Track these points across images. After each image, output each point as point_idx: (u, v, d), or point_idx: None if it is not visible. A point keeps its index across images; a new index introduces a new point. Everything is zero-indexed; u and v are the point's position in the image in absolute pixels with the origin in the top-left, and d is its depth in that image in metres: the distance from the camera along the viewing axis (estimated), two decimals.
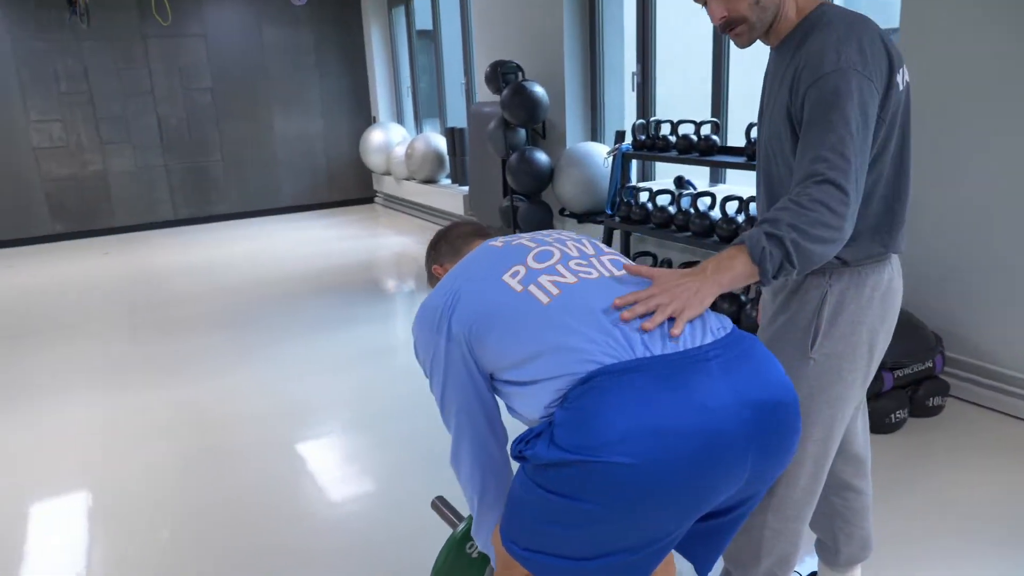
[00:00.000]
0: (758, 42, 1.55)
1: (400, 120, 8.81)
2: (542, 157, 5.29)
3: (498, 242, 1.43)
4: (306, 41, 8.47)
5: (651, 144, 4.43)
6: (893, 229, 1.52)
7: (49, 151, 7.51)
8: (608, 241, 4.74)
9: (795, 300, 1.57)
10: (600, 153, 4.99)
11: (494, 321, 1.26)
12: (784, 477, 1.59)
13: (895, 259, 1.58)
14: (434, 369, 1.35)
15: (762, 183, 1.62)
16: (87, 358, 4.26)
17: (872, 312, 1.52)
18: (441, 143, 7.55)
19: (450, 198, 7.20)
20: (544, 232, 1.47)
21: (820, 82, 1.35)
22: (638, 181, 5.19)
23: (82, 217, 7.77)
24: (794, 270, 1.31)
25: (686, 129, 4.30)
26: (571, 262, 1.32)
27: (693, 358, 1.17)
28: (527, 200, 5.46)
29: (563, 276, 1.28)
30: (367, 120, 8.90)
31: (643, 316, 1.22)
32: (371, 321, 4.71)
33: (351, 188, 9.04)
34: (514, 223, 5.48)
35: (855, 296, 1.51)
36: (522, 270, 1.30)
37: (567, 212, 5.32)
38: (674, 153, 4.29)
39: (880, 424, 2.90)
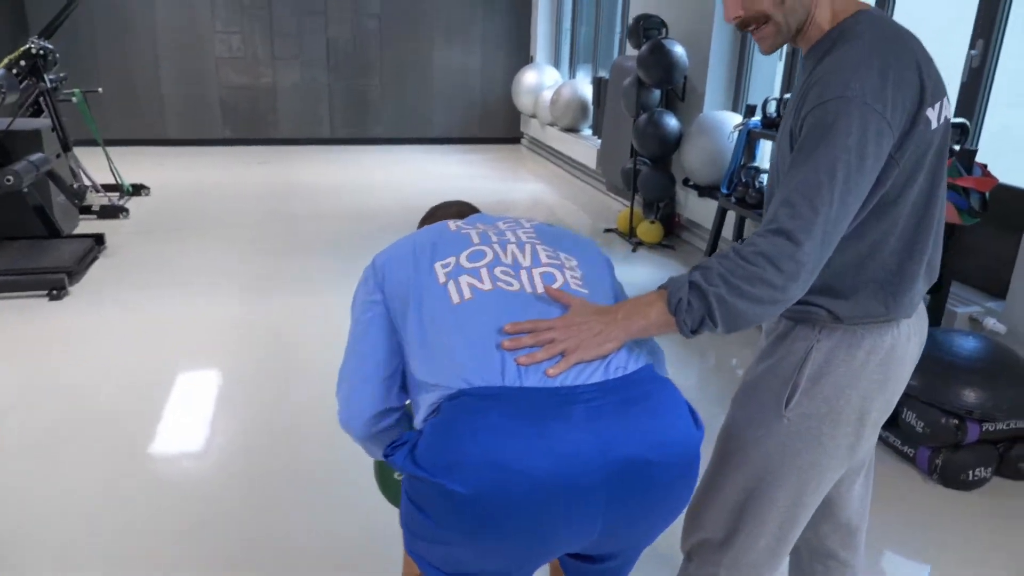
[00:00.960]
0: None
1: (556, 63, 8.66)
2: (671, 122, 5.03)
3: (452, 225, 1.40)
4: None
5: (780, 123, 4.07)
6: (900, 291, 1.31)
7: (228, 61, 8.10)
8: (720, 222, 4.46)
9: (780, 348, 1.40)
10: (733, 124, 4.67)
11: (414, 304, 1.25)
12: (743, 535, 1.47)
13: (907, 323, 1.37)
14: (354, 309, 1.36)
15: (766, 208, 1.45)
16: (215, 260, 4.63)
17: (866, 378, 1.33)
18: (587, 92, 7.37)
19: (585, 150, 7.05)
20: (501, 225, 1.42)
21: (819, 109, 1.17)
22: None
23: (249, 125, 8.38)
24: (716, 328, 1.17)
25: None
26: (497, 268, 1.27)
27: (561, 397, 1.10)
28: (651, 164, 5.24)
29: (482, 281, 1.24)
30: (524, 59, 8.84)
31: (531, 347, 1.15)
32: None
33: (500, 127, 9.08)
34: (634, 187, 5.29)
35: (846, 358, 1.33)
36: (452, 262, 1.27)
37: (691, 183, 5.06)
38: None
39: (954, 479, 2.58)
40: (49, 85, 4.19)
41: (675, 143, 5.05)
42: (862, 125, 1.14)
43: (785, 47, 4.66)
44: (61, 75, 5.14)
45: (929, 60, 1.23)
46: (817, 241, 1.14)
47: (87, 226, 5.04)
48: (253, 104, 8.31)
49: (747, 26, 1.30)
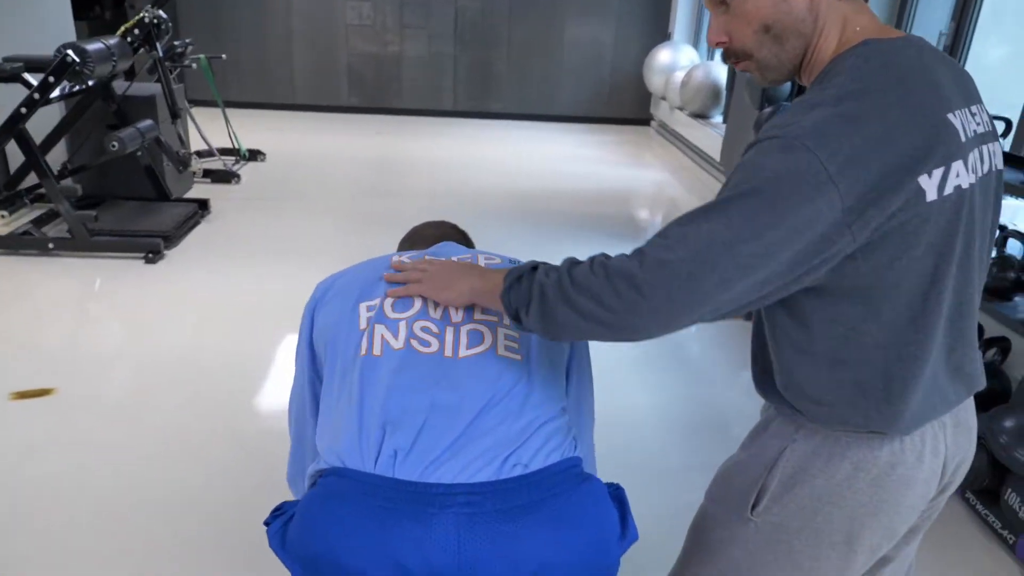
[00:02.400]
0: None
1: (695, 42, 8.15)
2: None
3: (396, 260, 1.28)
4: None
5: None
6: (887, 401, 0.99)
7: (357, 28, 8.20)
8: None
9: (757, 441, 1.15)
10: None
11: (329, 344, 1.18)
12: None
13: (913, 440, 1.04)
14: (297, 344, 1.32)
15: None
16: (313, 233, 4.66)
17: (855, 498, 1.05)
18: (723, 75, 6.87)
19: (709, 139, 6.59)
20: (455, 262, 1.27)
21: (755, 147, 0.91)
22: None
23: (374, 94, 8.48)
24: (529, 320, 1.00)
25: None
26: (419, 323, 1.13)
27: (431, 498, 0.94)
28: None
29: (396, 337, 1.11)
30: (662, 36, 8.38)
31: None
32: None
33: (628, 107, 8.70)
34: None
35: (825, 469, 1.05)
36: (378, 305, 1.17)
37: None
38: None
39: None
40: (161, 53, 4.34)
41: None
42: (790, 167, 0.86)
43: (941, 38, 4.07)
44: (187, 41, 5.34)
45: (943, 115, 0.91)
46: (670, 279, 0.88)
47: (200, 190, 5.25)
48: (378, 72, 8.40)
49: (730, 58, 1.05)
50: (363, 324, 1.15)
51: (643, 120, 8.78)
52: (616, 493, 1.09)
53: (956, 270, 0.97)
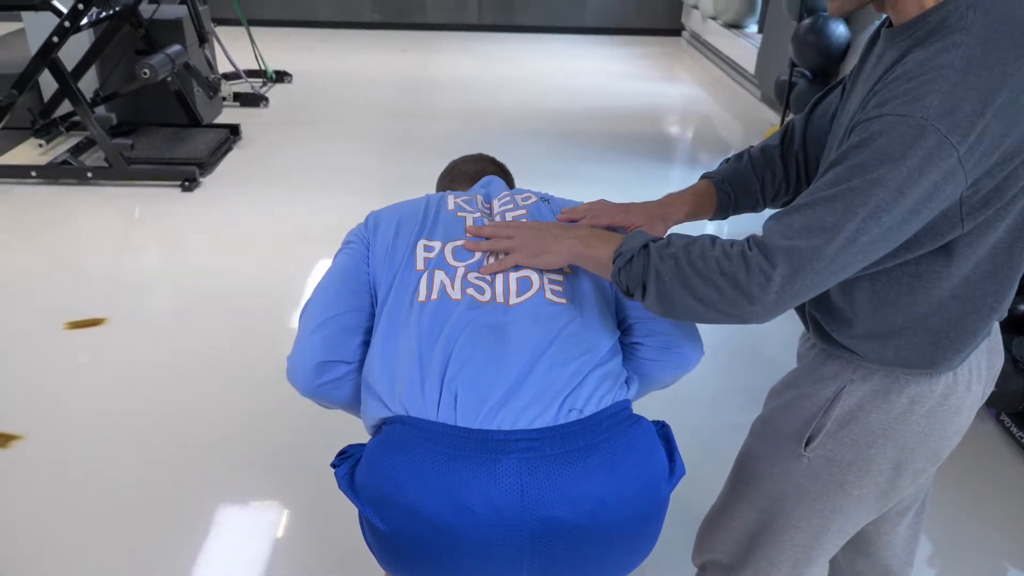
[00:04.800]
0: None
1: None
2: (839, 30, 4.38)
3: (452, 202, 1.30)
4: None
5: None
6: (952, 349, 1.04)
7: None
8: None
9: (808, 379, 1.18)
10: None
11: (388, 280, 1.20)
12: (752, 568, 1.30)
13: (965, 368, 1.09)
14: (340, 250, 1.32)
15: None
16: (343, 157, 4.66)
17: (908, 430, 1.10)
18: None
19: (743, 51, 6.38)
20: (496, 207, 1.31)
21: (877, 122, 0.87)
22: None
23: (396, 9, 8.25)
24: (645, 303, 1.04)
25: None
26: (473, 273, 1.16)
27: (493, 445, 0.98)
28: (810, 78, 4.64)
29: (453, 285, 1.14)
30: None
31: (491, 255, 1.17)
32: (607, 184, 4.51)
33: (659, 16, 8.41)
34: (786, 102, 4.74)
35: (882, 405, 1.09)
36: (437, 249, 1.19)
37: None
38: None
39: None
40: None
41: (840, 56, 4.42)
42: (924, 160, 0.84)
43: None
44: None
45: None
46: (793, 272, 0.91)
47: (229, 114, 5.23)
48: None
49: None
50: (420, 264, 1.17)
51: (674, 31, 8.50)
52: (663, 431, 1.12)
53: None
